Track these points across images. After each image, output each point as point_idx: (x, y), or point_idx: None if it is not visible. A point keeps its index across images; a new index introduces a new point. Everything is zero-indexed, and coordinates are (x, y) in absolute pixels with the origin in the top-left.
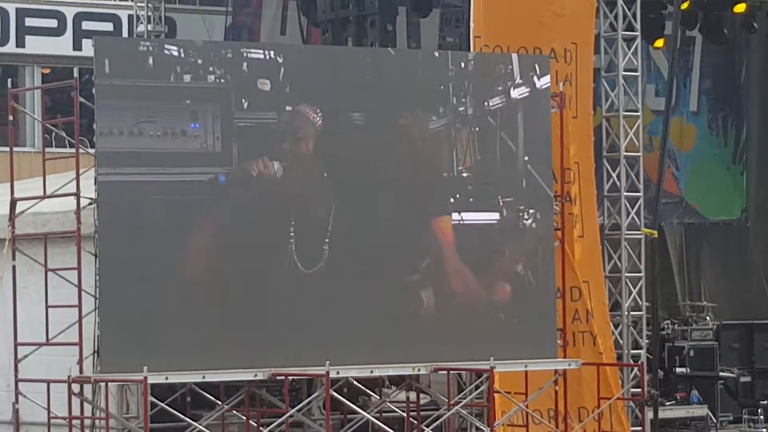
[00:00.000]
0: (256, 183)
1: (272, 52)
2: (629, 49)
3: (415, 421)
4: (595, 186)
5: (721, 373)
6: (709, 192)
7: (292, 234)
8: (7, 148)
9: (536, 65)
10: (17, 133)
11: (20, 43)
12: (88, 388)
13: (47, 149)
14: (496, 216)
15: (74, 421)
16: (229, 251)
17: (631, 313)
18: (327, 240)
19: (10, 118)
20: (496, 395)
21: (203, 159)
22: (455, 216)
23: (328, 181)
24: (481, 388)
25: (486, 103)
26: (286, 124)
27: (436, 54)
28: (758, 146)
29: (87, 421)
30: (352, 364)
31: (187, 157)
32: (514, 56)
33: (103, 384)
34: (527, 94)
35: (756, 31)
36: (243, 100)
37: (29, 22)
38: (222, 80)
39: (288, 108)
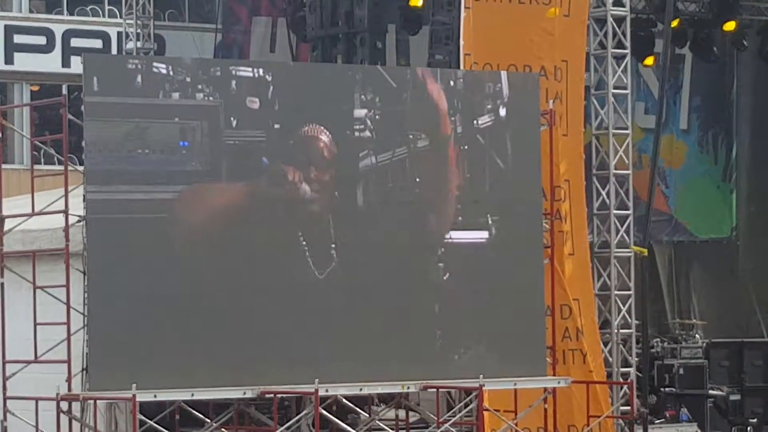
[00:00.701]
0: (254, 203)
1: (261, 70)
2: (619, 67)
3: None
4: (585, 203)
5: (710, 391)
6: (699, 210)
7: (303, 248)
8: None
9: (526, 83)
10: (5, 150)
11: (9, 60)
12: (76, 406)
13: (36, 166)
14: (485, 234)
15: None
16: (216, 269)
17: (621, 330)
18: (333, 255)
19: None
20: (485, 413)
21: (192, 177)
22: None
23: (333, 202)
24: (470, 406)
25: (475, 122)
26: (301, 148)
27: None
28: (749, 164)
29: None
30: (342, 381)
31: (176, 175)
32: (504, 74)
33: (91, 402)
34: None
35: (746, 49)
36: (232, 118)
37: (18, 39)
38: (211, 98)
39: (276, 126)
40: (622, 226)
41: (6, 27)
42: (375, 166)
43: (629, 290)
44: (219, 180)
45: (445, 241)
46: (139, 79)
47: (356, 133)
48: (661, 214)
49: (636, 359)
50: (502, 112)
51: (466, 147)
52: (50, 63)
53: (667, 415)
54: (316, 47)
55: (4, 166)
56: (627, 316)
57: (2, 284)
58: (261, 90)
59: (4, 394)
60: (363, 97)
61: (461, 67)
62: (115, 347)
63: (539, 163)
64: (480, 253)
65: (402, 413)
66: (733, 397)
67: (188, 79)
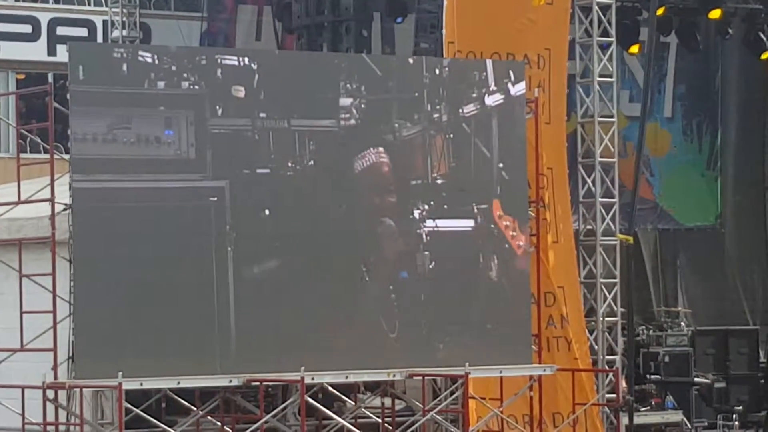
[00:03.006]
0: (243, 189)
1: (247, 59)
2: (604, 55)
3: (390, 427)
4: (570, 192)
5: (695, 379)
6: (683, 198)
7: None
8: None
9: (511, 71)
10: None
11: None
12: (62, 394)
13: (22, 155)
14: (470, 223)
15: (49, 427)
16: (202, 258)
17: (606, 318)
18: (320, 243)
19: None
20: (471, 401)
21: (177, 166)
22: (429, 223)
23: (311, 188)
24: (456, 394)
25: (460, 110)
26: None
27: (411, 60)
28: (734, 152)
29: (62, 427)
30: (327, 369)
31: (162, 163)
32: (489, 62)
33: (77, 390)
34: (502, 100)
35: (731, 37)
36: (217, 107)
37: (3, 27)
38: (196, 87)
39: (262, 114)
40: (607, 214)
41: None
42: None
43: (615, 278)
44: (204, 169)
45: (431, 229)
46: (124, 67)
47: (342, 122)
48: (646, 202)
49: (622, 347)
50: (488, 100)
51: (451, 135)
52: (36, 51)
53: (653, 402)
54: (302, 36)
55: None
56: (613, 304)
57: None
58: (246, 78)
59: None
60: (348, 85)
61: (445, 55)
62: (101, 335)
63: (525, 152)
64: (465, 242)
65: (388, 401)
66: (718, 385)
67: (174, 68)
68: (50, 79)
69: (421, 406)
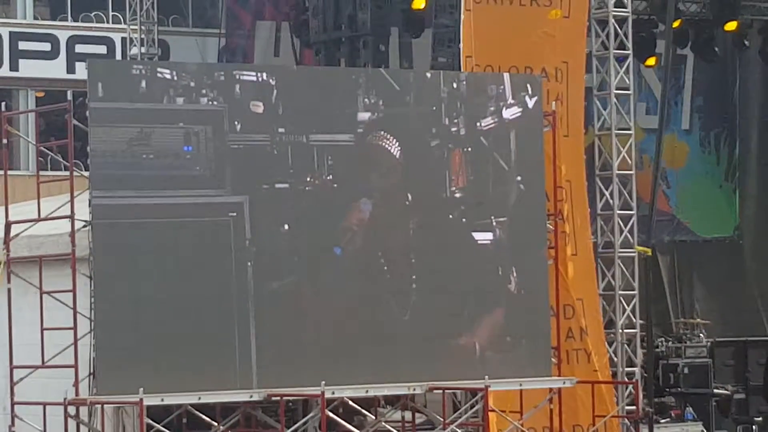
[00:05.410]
0: (262, 204)
1: (265, 74)
2: (621, 68)
3: None
4: (588, 204)
5: (715, 391)
6: (701, 209)
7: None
8: (2, 172)
9: (528, 85)
10: (11, 156)
11: (14, 66)
12: (84, 411)
13: (41, 172)
14: (489, 236)
15: None
16: (222, 273)
17: (625, 330)
18: (339, 259)
19: (5, 141)
20: (491, 414)
21: (196, 181)
22: None
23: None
24: (476, 407)
25: (478, 124)
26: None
27: (429, 74)
28: (754, 164)
29: None
30: (348, 384)
31: (181, 179)
32: (506, 76)
33: (99, 406)
34: (519, 114)
35: (747, 49)
36: (236, 123)
37: (23, 45)
38: (215, 103)
39: (281, 130)
40: (625, 227)
41: (11, 33)
42: None
43: (633, 290)
44: (223, 185)
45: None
46: (143, 84)
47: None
48: (663, 214)
49: (641, 359)
50: (505, 113)
51: (469, 149)
52: (55, 69)
53: (673, 414)
54: (320, 51)
55: (9, 172)
56: (632, 316)
57: (9, 290)
58: (265, 94)
59: (12, 399)
60: (366, 100)
61: (462, 69)
62: (122, 351)
63: (542, 164)
64: (484, 255)
65: (408, 415)
66: (737, 396)
67: (192, 84)
68: (69, 96)
69: (442, 419)
